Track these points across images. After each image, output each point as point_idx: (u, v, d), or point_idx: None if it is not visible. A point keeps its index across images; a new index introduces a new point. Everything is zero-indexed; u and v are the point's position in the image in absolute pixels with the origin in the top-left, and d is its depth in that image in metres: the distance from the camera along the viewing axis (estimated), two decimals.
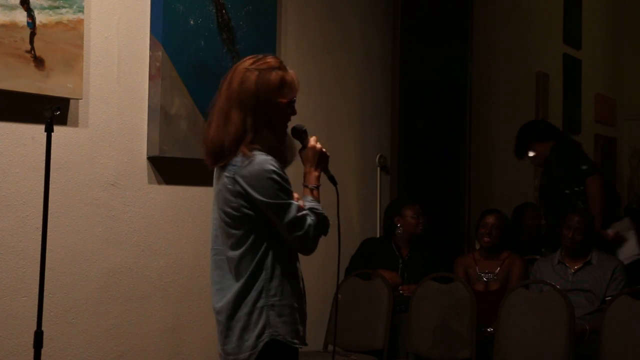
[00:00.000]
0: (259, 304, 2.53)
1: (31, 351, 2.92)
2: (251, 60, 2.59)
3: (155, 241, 3.86)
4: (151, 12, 3.81)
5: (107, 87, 3.64)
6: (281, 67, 2.59)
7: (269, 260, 2.54)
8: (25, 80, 3.23)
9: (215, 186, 2.62)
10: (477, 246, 5.29)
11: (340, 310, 4.57)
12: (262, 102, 2.53)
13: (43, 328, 2.93)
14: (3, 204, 3.25)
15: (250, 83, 2.53)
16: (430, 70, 5.95)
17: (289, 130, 2.68)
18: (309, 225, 2.50)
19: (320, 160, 2.65)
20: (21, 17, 3.23)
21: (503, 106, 7.10)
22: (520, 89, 7.52)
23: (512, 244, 5.14)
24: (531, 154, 5.41)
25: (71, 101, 3.47)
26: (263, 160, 2.49)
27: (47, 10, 3.32)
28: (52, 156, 2.95)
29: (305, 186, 2.62)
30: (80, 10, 3.44)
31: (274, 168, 2.48)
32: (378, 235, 5.32)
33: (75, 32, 3.42)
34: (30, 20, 3.25)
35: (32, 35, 3.26)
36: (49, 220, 2.95)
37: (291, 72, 2.62)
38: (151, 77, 3.82)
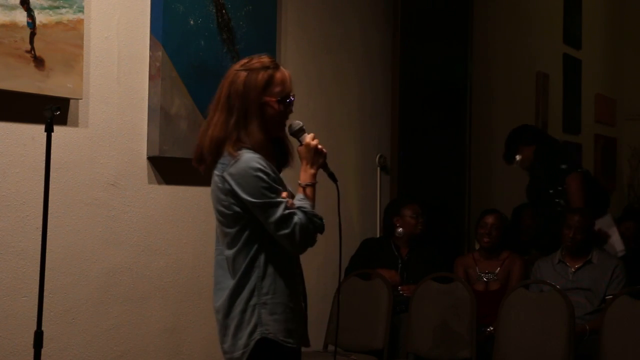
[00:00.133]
0: (252, 302, 2.53)
1: (31, 351, 2.92)
2: (243, 62, 2.62)
3: (155, 241, 3.86)
4: (151, 12, 3.81)
5: (107, 87, 3.64)
6: (271, 66, 2.59)
7: (261, 259, 2.54)
8: (25, 80, 3.23)
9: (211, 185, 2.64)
10: (477, 246, 5.29)
11: (341, 310, 4.58)
12: (248, 101, 2.54)
13: (43, 328, 2.93)
14: (3, 204, 3.25)
15: (239, 84, 2.56)
16: (430, 70, 5.95)
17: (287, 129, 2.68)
18: (295, 223, 2.48)
19: (316, 158, 2.61)
20: (21, 17, 3.23)
21: (503, 106, 7.10)
22: (520, 89, 7.51)
23: (511, 244, 5.14)
24: (518, 157, 5.47)
25: (71, 101, 3.47)
26: (249, 158, 2.49)
27: (47, 10, 3.32)
28: (52, 156, 2.95)
29: (299, 184, 2.61)
30: (80, 10, 3.44)
31: (259, 166, 2.48)
32: (378, 236, 5.32)
33: (75, 32, 3.42)
34: (30, 20, 3.25)
35: (32, 35, 3.26)
36: (49, 220, 2.95)
37: (283, 71, 2.61)
38: (151, 77, 3.82)
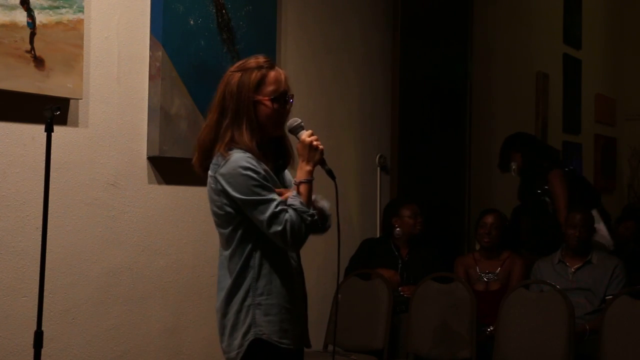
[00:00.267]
0: (246, 303, 2.53)
1: (31, 351, 2.92)
2: (239, 63, 2.62)
3: (155, 241, 3.86)
4: (151, 12, 3.81)
5: (107, 87, 3.64)
6: (265, 66, 2.58)
7: (256, 259, 2.53)
8: (25, 80, 3.23)
9: None
10: (477, 247, 5.29)
11: (340, 310, 4.57)
12: (241, 101, 2.54)
13: (43, 328, 2.93)
14: (3, 204, 3.25)
15: (233, 85, 2.56)
16: (430, 71, 5.95)
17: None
18: (286, 221, 2.45)
19: (312, 154, 2.56)
20: (21, 17, 3.23)
21: (503, 106, 7.10)
22: (520, 89, 7.51)
23: (511, 244, 5.15)
24: (513, 165, 5.57)
25: (71, 101, 3.47)
26: (238, 157, 2.49)
27: (47, 10, 3.32)
28: (52, 156, 2.95)
29: (293, 181, 2.59)
30: (80, 10, 3.44)
31: (248, 164, 2.47)
32: (378, 236, 5.32)
33: (75, 32, 3.42)
34: (30, 20, 3.25)
35: (32, 35, 3.26)
36: (49, 220, 2.95)
37: (278, 70, 2.60)
38: (151, 77, 3.82)
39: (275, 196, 2.48)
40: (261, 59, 2.60)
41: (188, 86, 3.92)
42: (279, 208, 2.46)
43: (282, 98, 2.58)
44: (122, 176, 3.70)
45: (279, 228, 2.44)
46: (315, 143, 2.56)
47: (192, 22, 3.96)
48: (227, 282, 2.56)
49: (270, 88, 2.56)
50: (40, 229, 2.94)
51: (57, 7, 3.35)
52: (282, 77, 2.59)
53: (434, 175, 5.93)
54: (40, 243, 2.93)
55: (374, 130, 5.40)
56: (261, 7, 4.35)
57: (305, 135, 2.58)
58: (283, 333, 2.54)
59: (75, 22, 3.42)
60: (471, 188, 6.30)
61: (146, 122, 3.82)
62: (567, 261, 4.75)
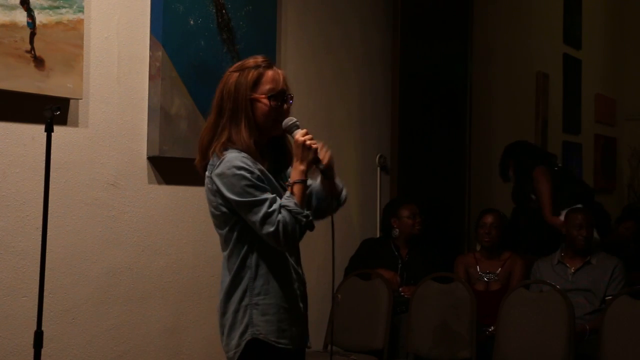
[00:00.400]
0: (244, 303, 2.53)
1: (31, 351, 2.92)
2: (238, 63, 2.62)
3: (155, 241, 3.86)
4: (151, 12, 3.81)
5: (107, 87, 3.64)
6: (263, 65, 2.57)
7: (252, 259, 2.53)
8: (25, 80, 3.23)
9: None
10: (478, 247, 5.29)
11: (340, 310, 4.58)
12: (238, 100, 2.53)
13: (43, 328, 2.93)
14: (3, 204, 3.25)
15: (230, 84, 2.56)
16: (431, 70, 5.94)
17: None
18: (279, 221, 2.43)
19: (305, 153, 2.52)
20: (21, 17, 3.23)
21: (503, 106, 7.10)
22: (520, 89, 7.52)
23: (512, 244, 5.15)
24: (510, 172, 5.67)
25: (71, 101, 3.47)
26: (232, 157, 2.48)
27: (47, 10, 3.32)
28: (52, 156, 2.95)
29: (287, 182, 2.56)
30: (80, 10, 3.44)
31: (242, 164, 2.46)
32: (378, 236, 5.31)
33: (75, 32, 3.42)
34: (30, 20, 3.25)
35: (32, 35, 3.26)
36: (49, 220, 2.95)
37: (276, 69, 2.59)
38: (151, 77, 3.82)
39: (268, 196, 2.46)
40: (259, 59, 2.59)
41: (188, 86, 3.92)
42: (272, 209, 2.44)
43: (280, 97, 2.57)
44: (122, 176, 3.70)
45: (272, 229, 2.43)
46: (308, 142, 2.52)
47: (192, 22, 3.96)
48: (226, 281, 2.57)
49: (267, 86, 2.55)
50: (40, 229, 2.94)
51: (57, 7, 3.35)
52: (280, 76, 2.59)
53: (434, 175, 5.93)
54: (40, 243, 2.93)
55: (374, 130, 5.40)
56: (261, 7, 4.35)
57: (299, 134, 2.53)
58: (281, 333, 2.54)
59: (75, 22, 3.42)
60: (471, 188, 6.30)
61: (146, 122, 3.82)
62: (567, 262, 4.75)
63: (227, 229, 2.54)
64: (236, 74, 2.57)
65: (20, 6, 3.22)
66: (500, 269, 4.92)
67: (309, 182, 2.58)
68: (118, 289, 3.68)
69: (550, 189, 5.30)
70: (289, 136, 2.61)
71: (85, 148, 3.55)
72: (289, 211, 2.45)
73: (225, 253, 2.57)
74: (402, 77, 5.53)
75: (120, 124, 3.70)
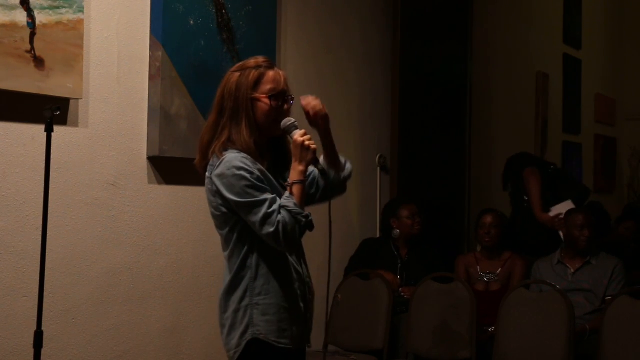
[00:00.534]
0: (244, 303, 2.53)
1: (31, 351, 2.92)
2: (239, 64, 2.62)
3: (155, 241, 3.86)
4: (151, 12, 3.81)
5: (107, 87, 3.65)
6: (264, 65, 2.57)
7: (253, 259, 2.53)
8: (25, 80, 3.23)
9: None
10: (479, 248, 5.29)
11: (340, 310, 4.58)
12: (239, 100, 2.53)
13: (43, 328, 2.93)
14: (3, 204, 3.25)
15: (231, 84, 2.56)
16: (430, 70, 5.95)
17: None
18: (279, 222, 2.43)
19: (304, 154, 2.52)
20: (21, 17, 3.23)
21: (503, 106, 7.10)
22: (520, 89, 7.52)
23: (512, 245, 5.15)
24: (510, 185, 5.73)
25: (71, 101, 3.47)
26: (232, 158, 2.48)
27: (47, 10, 3.32)
28: (52, 156, 2.95)
29: (286, 182, 2.56)
30: (80, 10, 3.44)
31: (242, 165, 2.46)
32: (378, 236, 5.31)
33: (75, 32, 3.42)
34: (30, 20, 3.25)
35: (32, 35, 3.26)
36: (49, 220, 2.95)
37: (277, 70, 2.59)
38: (151, 77, 3.82)
39: (268, 196, 2.46)
40: (260, 59, 2.60)
41: (188, 86, 3.92)
42: (271, 209, 2.44)
43: (281, 97, 2.57)
44: (122, 176, 3.70)
45: (272, 229, 2.43)
46: (307, 143, 2.52)
47: (192, 22, 3.96)
48: (227, 281, 2.57)
49: (268, 86, 2.56)
50: (40, 229, 2.94)
51: (57, 7, 3.35)
52: (281, 77, 2.59)
53: (434, 175, 5.93)
54: (40, 243, 2.94)
55: (374, 130, 5.40)
56: (261, 7, 4.35)
57: (297, 135, 2.53)
58: (281, 333, 2.53)
59: (75, 22, 3.42)
60: (471, 188, 6.30)
61: (146, 122, 3.82)
62: (567, 262, 4.75)
63: (227, 229, 2.54)
64: (237, 74, 2.57)
65: (20, 6, 3.23)
66: (500, 269, 4.92)
67: (310, 168, 2.59)
68: (118, 289, 3.68)
69: (539, 188, 5.35)
70: (288, 137, 2.62)
71: (85, 148, 3.55)
72: (289, 211, 2.45)
73: (226, 253, 2.58)
74: (402, 77, 5.53)
75: (120, 124, 3.70)
